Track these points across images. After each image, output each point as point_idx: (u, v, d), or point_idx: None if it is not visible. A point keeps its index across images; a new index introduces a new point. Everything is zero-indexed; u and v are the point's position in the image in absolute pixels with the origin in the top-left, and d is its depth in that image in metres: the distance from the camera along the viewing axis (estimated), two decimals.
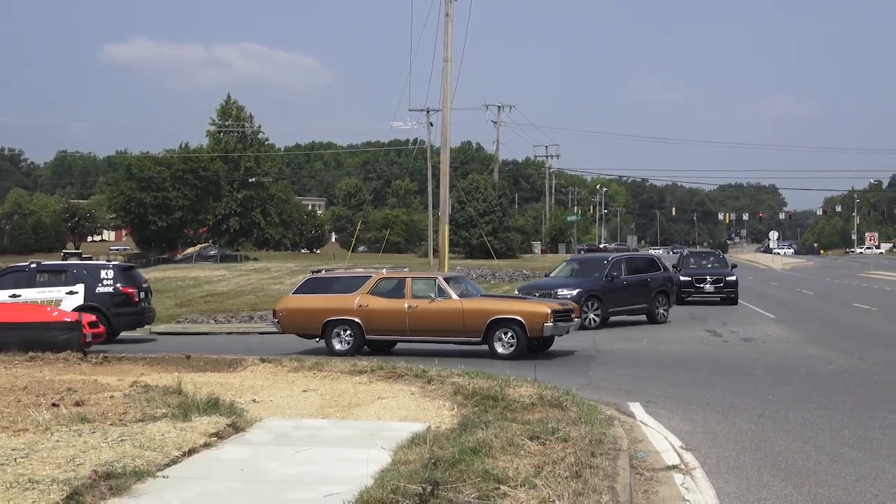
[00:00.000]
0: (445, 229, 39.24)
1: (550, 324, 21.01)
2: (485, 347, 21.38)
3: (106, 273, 27.95)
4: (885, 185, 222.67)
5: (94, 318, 23.99)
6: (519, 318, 21.20)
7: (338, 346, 22.40)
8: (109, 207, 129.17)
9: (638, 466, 10.11)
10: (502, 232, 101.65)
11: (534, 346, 21.87)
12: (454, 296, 22.10)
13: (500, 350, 21.12)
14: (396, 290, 22.69)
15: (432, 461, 8.72)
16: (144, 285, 29.89)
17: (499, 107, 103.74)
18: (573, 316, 22.66)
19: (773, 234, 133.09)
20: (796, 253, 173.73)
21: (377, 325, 22.28)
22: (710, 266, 39.66)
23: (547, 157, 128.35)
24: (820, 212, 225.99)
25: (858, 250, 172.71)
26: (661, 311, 32.36)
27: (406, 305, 21.98)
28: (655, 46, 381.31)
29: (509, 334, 21.13)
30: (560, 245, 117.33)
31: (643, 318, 31.74)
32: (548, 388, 13.87)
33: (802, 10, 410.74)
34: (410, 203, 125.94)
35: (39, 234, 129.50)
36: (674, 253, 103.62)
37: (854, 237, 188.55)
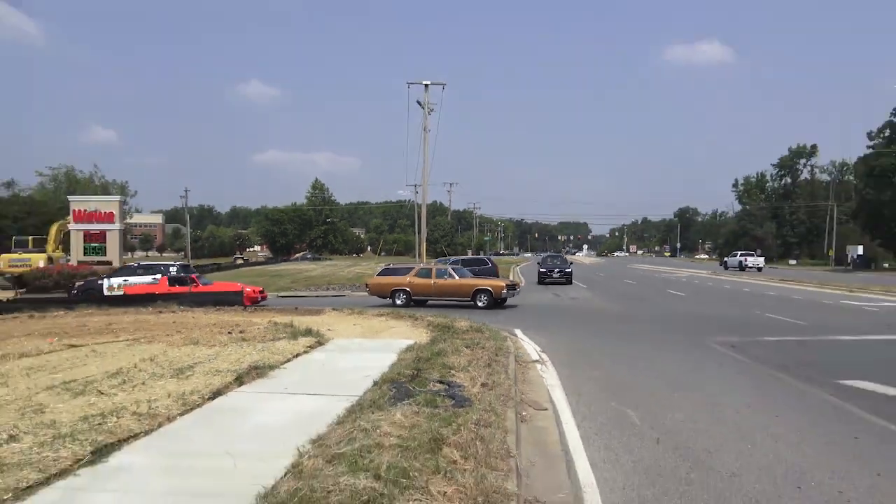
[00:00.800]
0: (423, 245, 39.48)
1: (505, 291, 21.10)
2: (472, 303, 21.10)
3: (173, 269, 26.49)
4: (655, 219, 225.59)
5: (259, 289, 23.89)
6: (489, 288, 21.22)
7: (398, 302, 21.72)
8: (257, 234, 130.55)
9: (519, 361, 10.26)
10: (453, 245, 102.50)
11: (496, 303, 21.33)
12: (456, 277, 21.99)
13: (479, 304, 20.89)
14: (427, 273, 22.48)
15: (417, 359, 9.04)
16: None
17: (451, 184, 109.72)
18: (516, 288, 22.65)
19: (585, 247, 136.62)
20: (596, 255, 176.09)
21: (418, 291, 22.03)
22: (558, 262, 39.40)
23: (474, 208, 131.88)
24: (608, 234, 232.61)
25: (626, 254, 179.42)
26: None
27: (432, 281, 21.90)
28: (545, 140, 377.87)
29: (484, 297, 21.02)
30: (480, 251, 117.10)
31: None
32: (475, 321, 14.24)
33: None
34: (407, 231, 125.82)
35: (223, 248, 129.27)
36: (538, 255, 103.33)
37: (624, 247, 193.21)
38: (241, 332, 12.35)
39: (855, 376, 9.23)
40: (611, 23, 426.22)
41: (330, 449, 4.96)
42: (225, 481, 4.50)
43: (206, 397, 6.96)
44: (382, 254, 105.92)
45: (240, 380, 7.89)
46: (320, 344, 11.10)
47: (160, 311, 17.49)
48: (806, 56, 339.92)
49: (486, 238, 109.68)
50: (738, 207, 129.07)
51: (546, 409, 7.30)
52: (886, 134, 72.62)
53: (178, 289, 23.37)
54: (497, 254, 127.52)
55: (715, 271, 57.81)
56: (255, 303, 22.89)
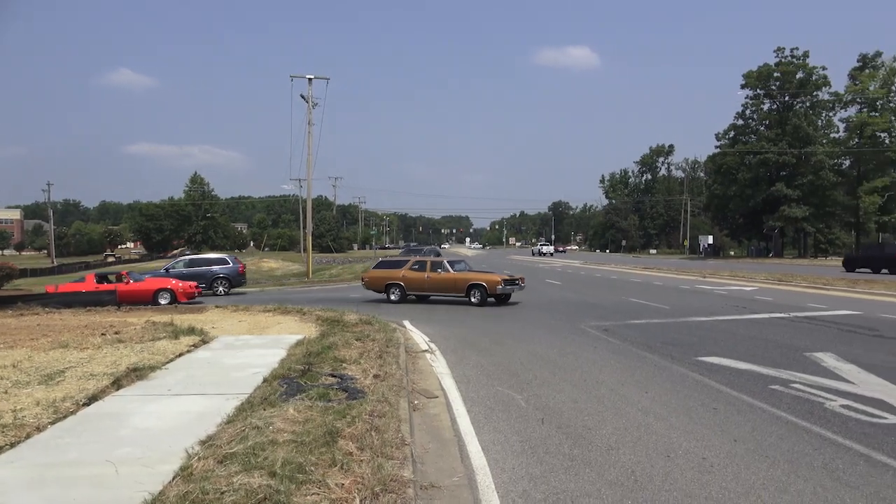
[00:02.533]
0: (310, 239, 38.57)
1: (501, 287, 18.29)
2: (466, 299, 18.92)
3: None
4: (531, 212, 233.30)
5: (193, 284, 22.77)
6: (483, 283, 18.57)
7: (392, 298, 19.75)
8: (130, 230, 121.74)
9: (409, 351, 10.29)
10: (338, 239, 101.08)
11: (499, 300, 18.87)
12: (451, 270, 19.40)
13: (473, 301, 18.52)
14: (422, 266, 19.97)
15: (308, 353, 8.86)
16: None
17: (336, 178, 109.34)
18: (517, 282, 19.23)
19: (468, 240, 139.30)
20: (479, 247, 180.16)
21: (412, 286, 19.71)
22: (432, 255, 39.21)
23: (359, 202, 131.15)
24: (488, 227, 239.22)
25: (519, 245, 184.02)
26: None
27: (426, 275, 19.52)
28: (425, 133, 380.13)
29: (478, 293, 18.47)
30: (366, 245, 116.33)
31: None
32: (364, 314, 14.12)
33: None
34: (292, 226, 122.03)
35: (92, 246, 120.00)
36: (407, 246, 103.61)
37: (504, 239, 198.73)
38: (115, 333, 11.49)
39: (711, 353, 10.06)
40: (488, 25, 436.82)
41: (221, 449, 4.74)
42: (107, 491, 4.17)
43: (81, 403, 6.42)
44: (266, 249, 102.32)
45: (118, 383, 7.35)
46: (204, 342, 10.57)
47: (21, 314, 15.93)
48: (665, 62, 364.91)
49: (372, 232, 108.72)
50: (606, 202, 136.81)
51: (437, 397, 7.38)
52: (731, 135, 79.44)
53: (105, 287, 21.66)
54: (382, 247, 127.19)
55: (586, 261, 60.77)
56: (191, 299, 21.85)
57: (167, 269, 27.07)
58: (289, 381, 7.15)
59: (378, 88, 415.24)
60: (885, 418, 6.31)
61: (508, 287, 18.57)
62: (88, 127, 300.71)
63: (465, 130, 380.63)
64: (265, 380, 7.30)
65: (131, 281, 21.69)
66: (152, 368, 8.19)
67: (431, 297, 20.06)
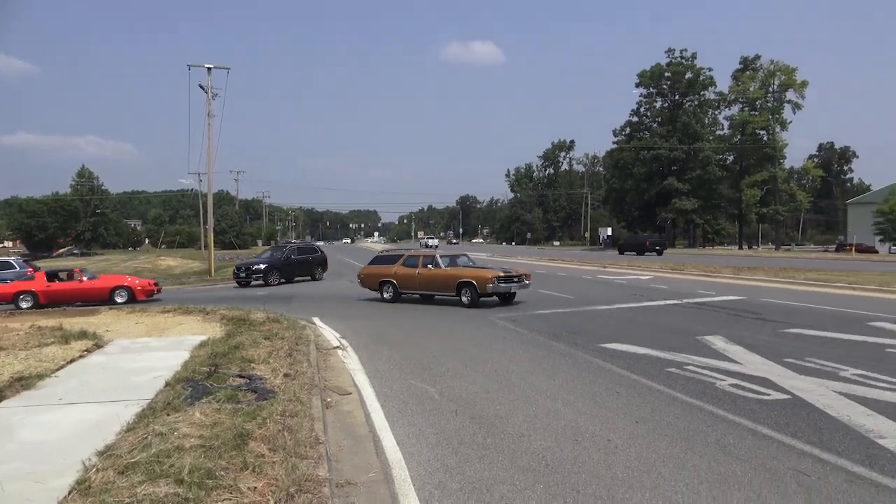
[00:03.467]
0: (211, 235, 37.03)
1: (492, 285, 15.76)
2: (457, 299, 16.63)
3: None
4: (439, 206, 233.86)
5: (153, 281, 22.07)
6: (472, 280, 15.97)
7: (385, 296, 17.96)
8: (7, 227, 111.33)
9: (320, 348, 10.14)
10: (242, 235, 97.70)
11: (504, 300, 16.69)
12: (442, 266, 16.95)
13: (463, 301, 16.27)
14: (414, 262, 17.71)
15: (213, 354, 8.54)
16: None
17: (238, 172, 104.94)
18: (520, 279, 16.57)
19: (376, 234, 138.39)
20: (386, 241, 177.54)
21: (404, 284, 17.64)
22: (310, 252, 37.74)
23: (264, 196, 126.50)
24: (396, 222, 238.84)
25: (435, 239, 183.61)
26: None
27: (417, 272, 17.28)
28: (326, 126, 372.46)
29: (468, 291, 15.98)
30: (271, 241, 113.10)
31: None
32: (272, 313, 13.76)
33: None
34: (191, 222, 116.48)
35: None
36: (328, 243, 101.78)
37: (412, 234, 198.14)
38: None
39: (613, 340, 10.54)
40: (395, 19, 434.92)
41: (122, 459, 4.49)
42: None
43: None
44: (163, 246, 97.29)
45: (0, 394, 6.80)
46: (98, 347, 9.97)
47: None
48: (567, 59, 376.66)
49: (277, 227, 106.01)
50: (511, 195, 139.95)
51: (350, 393, 7.31)
52: (627, 132, 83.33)
53: (57, 285, 19.87)
54: (288, 242, 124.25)
55: (493, 254, 61.89)
56: (150, 296, 20.63)
57: None
58: (194, 383, 6.86)
59: (283, 82, 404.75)
60: (769, 395, 6.85)
61: (504, 285, 15.96)
62: None
63: (372, 125, 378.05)
64: (167, 384, 6.97)
65: (85, 278, 20.23)
66: (40, 377, 7.64)
67: (436, 297, 17.60)
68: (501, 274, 16.14)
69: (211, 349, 8.98)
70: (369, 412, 6.54)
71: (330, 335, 11.88)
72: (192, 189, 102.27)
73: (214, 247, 38.96)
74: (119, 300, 19.72)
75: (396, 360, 9.33)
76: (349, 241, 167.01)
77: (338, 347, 10.48)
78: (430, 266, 17.09)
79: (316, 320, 13.96)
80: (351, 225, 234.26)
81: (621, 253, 53.14)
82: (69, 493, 3.97)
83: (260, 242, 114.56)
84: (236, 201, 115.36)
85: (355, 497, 4.34)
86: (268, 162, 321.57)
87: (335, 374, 8.48)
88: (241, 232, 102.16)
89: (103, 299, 19.65)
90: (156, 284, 21.57)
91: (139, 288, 20.38)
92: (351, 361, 9.34)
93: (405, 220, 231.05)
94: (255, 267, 27.39)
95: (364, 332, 12.21)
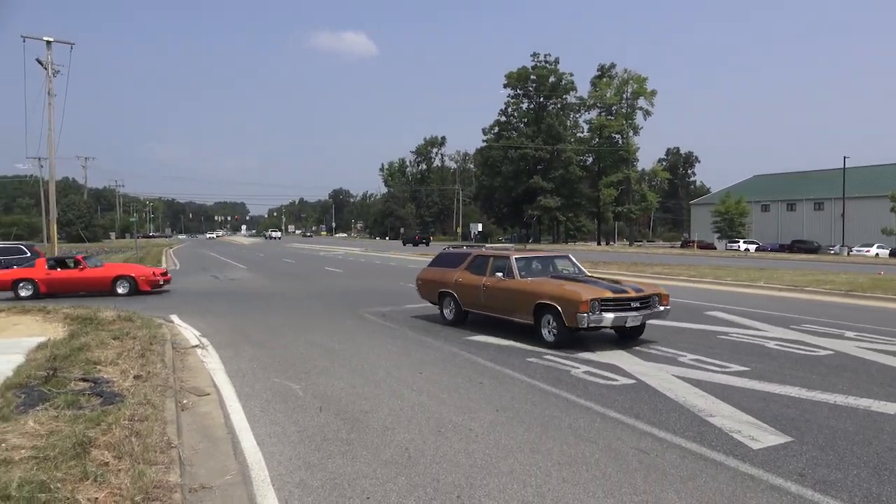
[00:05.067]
0: (54, 227, 33.75)
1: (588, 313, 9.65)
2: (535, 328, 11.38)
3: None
4: (311, 199, 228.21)
5: (162, 270, 20.65)
6: (556, 303, 9.68)
7: (448, 316, 12.24)
8: None
9: (177, 347, 9.59)
10: (91, 227, 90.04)
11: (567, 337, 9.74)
12: (518, 276, 10.62)
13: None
14: (481, 266, 11.58)
15: (53, 357, 7.81)
16: None
17: (87, 158, 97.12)
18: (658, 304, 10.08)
19: (244, 227, 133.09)
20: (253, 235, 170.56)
21: (467, 299, 11.65)
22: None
23: (117, 185, 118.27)
24: (266, 215, 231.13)
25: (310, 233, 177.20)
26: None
27: (483, 282, 11.21)
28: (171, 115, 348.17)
29: (554, 322, 10.04)
30: (125, 234, 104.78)
31: None
32: (124, 310, 12.82)
33: None
34: (31, 212, 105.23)
35: None
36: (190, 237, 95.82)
37: (283, 227, 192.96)
38: None
39: (479, 332, 10.87)
40: (260, 2, 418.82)
41: None
42: None
43: None
44: None
45: None
46: None
47: None
48: (439, 56, 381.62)
49: (132, 219, 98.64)
50: (385, 190, 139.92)
51: (209, 394, 6.98)
52: (496, 131, 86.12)
53: (59, 273, 17.63)
54: (147, 236, 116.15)
55: (367, 248, 61.61)
56: (155, 288, 18.80)
57: None
58: (28, 389, 6.24)
59: (141, 67, 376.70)
60: (617, 380, 7.39)
61: (615, 313, 9.34)
62: None
63: (236, 114, 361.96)
64: None
65: (87, 266, 18.15)
66: None
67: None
68: (608, 295, 9.39)
69: (50, 351, 8.21)
70: (229, 413, 6.28)
71: (189, 334, 11.26)
72: (31, 175, 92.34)
73: (60, 240, 35.66)
74: (121, 291, 17.97)
75: (260, 359, 9.02)
76: (214, 235, 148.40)
77: (197, 346, 9.95)
78: (499, 275, 11.03)
79: (175, 318, 13.18)
80: (217, 217, 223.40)
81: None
82: None
83: (113, 235, 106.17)
84: (85, 190, 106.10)
85: (210, 501, 4.16)
86: (121, 149, 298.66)
87: (193, 374, 8.06)
88: (91, 224, 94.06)
89: (105, 289, 17.95)
90: (163, 274, 19.51)
91: (142, 278, 18.42)
92: (211, 361, 8.91)
93: (275, 214, 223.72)
94: None
95: (227, 330, 11.68)
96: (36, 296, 17.49)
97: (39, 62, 30.50)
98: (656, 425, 5.71)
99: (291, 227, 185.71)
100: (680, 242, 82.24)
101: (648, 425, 5.71)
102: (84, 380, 6.71)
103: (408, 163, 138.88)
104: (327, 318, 13.28)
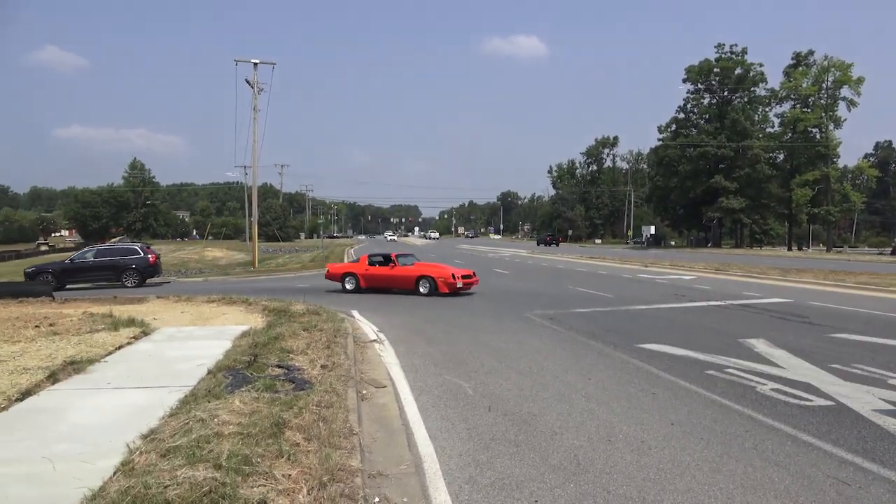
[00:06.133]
0: (255, 228, 37.77)
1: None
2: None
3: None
4: (480, 202, 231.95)
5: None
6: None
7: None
8: (65, 217, 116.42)
9: (357, 341, 10.24)
10: (285, 228, 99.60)
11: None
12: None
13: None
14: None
15: (254, 344, 8.73)
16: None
17: (282, 165, 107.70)
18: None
19: (416, 228, 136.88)
20: (436, 236, 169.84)
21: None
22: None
23: (307, 190, 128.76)
24: (437, 217, 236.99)
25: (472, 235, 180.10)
26: None
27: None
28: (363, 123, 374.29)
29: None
30: (313, 235, 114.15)
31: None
32: (312, 304, 13.97)
33: None
34: (237, 214, 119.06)
35: (23, 234, 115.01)
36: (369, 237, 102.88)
37: (452, 228, 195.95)
38: (50, 325, 11.04)
39: (651, 340, 10.39)
40: (436, 12, 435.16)
41: (164, 443, 4.65)
42: (44, 488, 4.05)
43: (13, 399, 6.18)
44: (210, 238, 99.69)
45: (53, 377, 7.10)
46: (146, 334, 10.29)
47: None
48: (611, 54, 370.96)
49: (320, 221, 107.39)
50: (553, 192, 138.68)
51: (385, 387, 7.40)
52: (673, 128, 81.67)
53: (375, 269, 19.47)
54: (331, 236, 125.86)
55: (532, 251, 61.55)
56: (453, 290, 18.31)
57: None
58: (234, 372, 7.04)
59: (326, 76, 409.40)
60: (812, 401, 6.67)
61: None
62: (14, 108, 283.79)
63: (414, 120, 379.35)
64: (209, 371, 7.17)
65: (398, 265, 19.30)
66: (90, 361, 7.94)
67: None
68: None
69: (252, 339, 9.19)
70: (403, 405, 6.61)
71: (368, 328, 12.00)
72: (238, 182, 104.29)
73: (259, 239, 39.75)
74: (422, 290, 18.25)
75: (432, 355, 9.39)
76: (394, 236, 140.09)
77: (375, 341, 10.59)
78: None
79: (355, 313, 14.12)
80: (392, 219, 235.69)
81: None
82: (114, 474, 4.14)
83: (303, 235, 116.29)
84: (280, 194, 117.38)
85: (386, 488, 4.41)
86: (310, 154, 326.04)
87: (371, 366, 8.58)
88: (285, 224, 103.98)
89: (409, 288, 18.70)
90: (464, 277, 18.65)
91: (441, 280, 18.20)
92: (387, 355, 9.43)
93: (445, 216, 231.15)
94: (45, 270, 25.06)
95: (401, 326, 12.30)
96: (357, 290, 19.27)
97: (248, 82, 34.34)
98: (859, 454, 5.08)
99: (461, 229, 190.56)
100: (890, 248, 72.26)
101: (850, 453, 5.09)
102: (279, 366, 7.43)
103: (577, 164, 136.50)
104: (495, 318, 13.46)
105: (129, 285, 24.16)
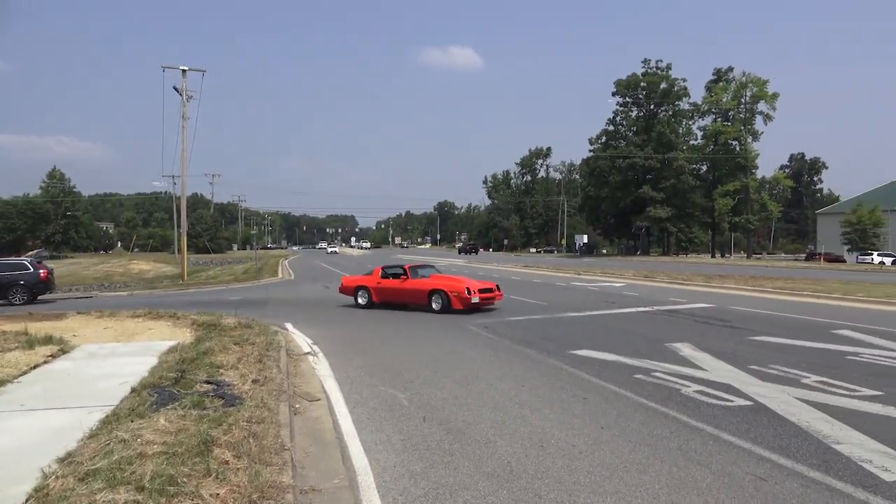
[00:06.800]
0: (185, 239, 36.56)
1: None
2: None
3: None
4: (417, 212, 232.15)
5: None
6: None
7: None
8: None
9: (291, 354, 10.08)
10: (216, 239, 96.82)
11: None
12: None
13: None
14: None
15: (181, 360, 8.44)
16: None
17: (213, 175, 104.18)
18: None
19: (352, 239, 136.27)
20: (367, 246, 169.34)
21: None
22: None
23: (239, 200, 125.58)
24: (374, 227, 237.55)
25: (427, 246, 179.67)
26: None
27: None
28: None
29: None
30: (247, 246, 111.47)
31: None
32: (243, 317, 13.64)
33: None
34: (165, 225, 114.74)
35: None
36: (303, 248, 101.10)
37: (390, 239, 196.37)
38: None
39: (583, 346, 10.65)
40: (371, 23, 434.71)
41: (82, 466, 4.43)
42: None
43: None
44: (136, 250, 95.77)
45: None
46: (64, 352, 9.78)
47: None
48: (544, 67, 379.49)
49: (253, 232, 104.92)
50: (489, 202, 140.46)
51: (319, 400, 7.29)
52: (603, 140, 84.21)
53: (388, 282, 18.04)
54: (264, 247, 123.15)
55: (470, 260, 62.01)
56: (467, 307, 16.27)
57: None
58: (160, 389, 6.79)
59: (259, 84, 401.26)
60: (733, 401, 6.99)
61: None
62: None
63: (348, 129, 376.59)
64: (133, 390, 6.88)
65: (410, 277, 17.73)
66: (2, 382, 7.49)
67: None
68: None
69: (179, 355, 8.88)
70: (338, 418, 6.53)
71: (302, 341, 11.81)
72: (165, 192, 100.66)
73: (188, 251, 38.53)
74: (434, 307, 16.48)
75: (368, 367, 9.31)
76: (335, 248, 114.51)
77: (309, 353, 10.43)
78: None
79: (289, 326, 13.87)
80: (328, 230, 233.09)
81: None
82: (26, 501, 3.91)
83: (235, 247, 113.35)
84: (211, 205, 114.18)
85: (319, 503, 4.34)
86: (242, 164, 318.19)
87: (305, 380, 8.44)
88: (216, 236, 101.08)
89: (423, 303, 16.94)
90: (482, 291, 16.78)
91: (454, 295, 16.28)
92: (322, 367, 9.30)
93: (382, 226, 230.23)
94: None
95: (337, 339, 12.16)
96: (370, 304, 18.02)
97: (176, 89, 33.30)
98: (776, 451, 5.35)
99: (398, 239, 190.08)
100: (804, 255, 76.62)
101: (767, 450, 5.36)
102: (208, 382, 7.21)
103: (512, 174, 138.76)
104: (431, 328, 13.49)
105: (17, 302, 22.40)
